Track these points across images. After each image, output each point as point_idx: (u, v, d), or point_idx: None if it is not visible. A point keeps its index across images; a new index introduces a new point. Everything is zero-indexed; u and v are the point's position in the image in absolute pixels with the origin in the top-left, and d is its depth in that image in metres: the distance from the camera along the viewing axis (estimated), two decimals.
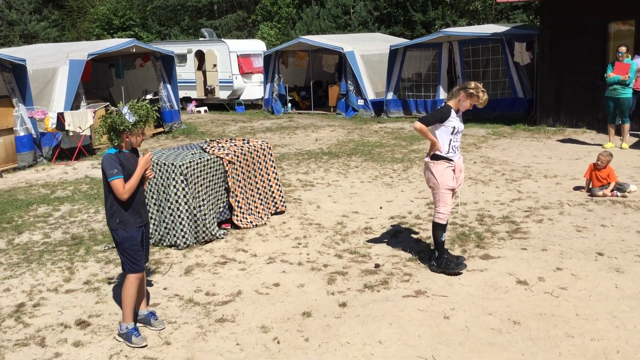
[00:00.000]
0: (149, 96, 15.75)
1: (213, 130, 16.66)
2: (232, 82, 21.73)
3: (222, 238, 6.60)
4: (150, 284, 5.40)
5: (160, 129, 15.79)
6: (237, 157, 6.79)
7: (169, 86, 16.02)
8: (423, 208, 7.82)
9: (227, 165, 6.62)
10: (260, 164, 7.16)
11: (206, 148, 6.74)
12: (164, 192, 6.24)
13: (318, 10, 28.12)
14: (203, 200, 6.35)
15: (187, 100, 22.84)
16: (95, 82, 16.71)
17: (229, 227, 6.88)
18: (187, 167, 6.15)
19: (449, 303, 4.93)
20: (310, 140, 13.87)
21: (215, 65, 21.99)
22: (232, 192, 6.74)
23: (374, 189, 8.95)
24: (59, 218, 7.80)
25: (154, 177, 6.23)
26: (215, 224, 6.58)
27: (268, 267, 5.81)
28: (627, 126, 11.42)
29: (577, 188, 8.51)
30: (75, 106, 13.09)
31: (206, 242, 6.44)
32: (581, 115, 13.45)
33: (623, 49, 11.06)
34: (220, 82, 22.04)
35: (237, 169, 6.77)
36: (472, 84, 5.41)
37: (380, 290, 5.22)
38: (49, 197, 9.00)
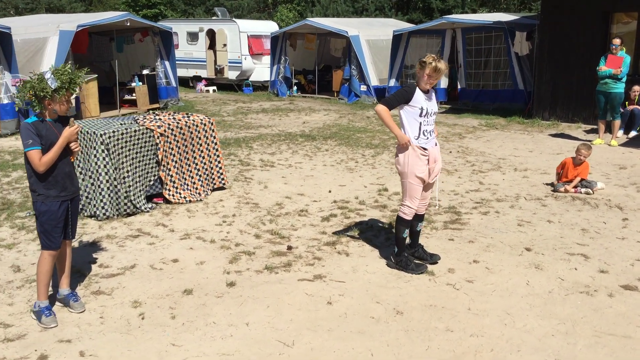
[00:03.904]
0: (145, 71, 15.76)
1: (210, 108, 16.59)
2: (241, 63, 21.62)
3: (148, 212, 6.49)
4: None
5: (156, 105, 15.79)
6: (172, 130, 6.65)
7: (166, 62, 15.99)
8: (373, 194, 7.57)
9: (158, 138, 6.48)
10: (200, 139, 7.00)
11: (138, 120, 6.61)
12: (88, 161, 6.14)
13: None
14: (128, 172, 6.24)
15: (197, 79, 22.85)
16: (97, 55, 16.79)
17: (161, 202, 6.76)
18: (109, 137, 6.04)
19: (342, 289, 4.71)
20: (298, 123, 13.68)
21: (225, 45, 21.90)
22: (164, 166, 6.61)
23: (334, 172, 8.73)
24: (4, 184, 7.81)
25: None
26: (143, 197, 6.47)
27: (178, 243, 5.68)
28: (617, 122, 10.92)
29: (549, 184, 8.11)
30: None
31: (129, 214, 6.34)
32: (578, 110, 12.93)
33: (617, 41, 10.55)
34: (229, 62, 21.95)
35: (170, 142, 6.64)
36: (428, 55, 4.83)
37: (279, 272, 5.04)
38: (8, 163, 9.04)
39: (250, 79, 21.94)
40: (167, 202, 6.80)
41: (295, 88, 20.25)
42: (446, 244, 5.74)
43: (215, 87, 22.14)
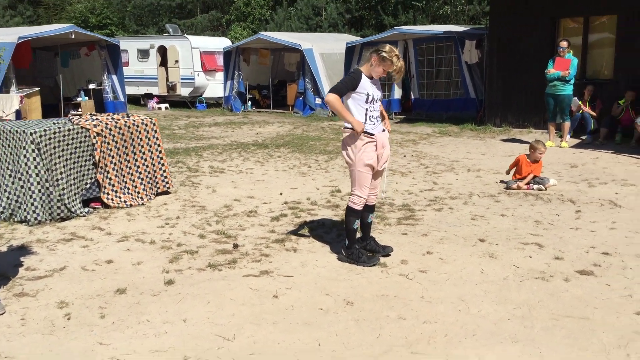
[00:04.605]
0: (91, 86, 15.30)
1: (160, 123, 16.13)
2: (193, 79, 21.28)
3: (84, 216, 6.09)
4: None
5: None
6: (110, 130, 6.29)
7: (114, 76, 15.56)
8: (325, 195, 7.34)
9: (94, 138, 6.12)
10: (141, 140, 6.66)
11: (73, 119, 6.25)
12: (17, 162, 5.73)
13: (290, 11, 27.79)
14: (61, 173, 5.85)
15: (149, 96, 22.34)
16: (41, 71, 16.22)
17: (99, 206, 6.37)
18: (40, 136, 5.65)
19: (289, 283, 4.44)
20: (251, 134, 13.41)
21: (177, 62, 21.53)
22: (101, 168, 6.24)
23: (285, 177, 8.48)
24: None
25: (8, 146, 5.73)
26: (78, 200, 6.07)
27: (115, 245, 5.31)
28: (567, 124, 11.01)
29: (502, 182, 8.03)
30: (4, 91, 12.61)
31: (63, 219, 5.93)
32: (528, 115, 13.06)
33: (564, 43, 10.68)
34: (181, 79, 21.58)
35: (108, 143, 6.28)
36: (387, 47, 4.59)
37: (223, 269, 4.73)
38: None
39: (203, 96, 21.59)
40: (106, 206, 6.42)
41: (249, 103, 20.00)
42: (399, 238, 5.54)
43: (167, 105, 21.69)
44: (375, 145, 4.72)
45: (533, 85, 12.58)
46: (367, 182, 4.77)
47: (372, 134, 4.70)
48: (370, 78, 4.74)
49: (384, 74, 4.65)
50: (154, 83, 22.24)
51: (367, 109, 4.69)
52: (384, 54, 4.56)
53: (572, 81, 10.67)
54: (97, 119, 6.41)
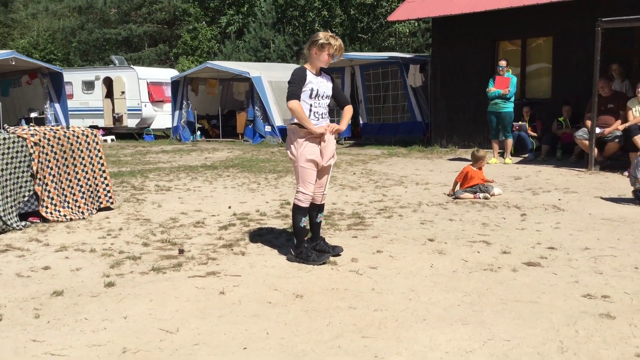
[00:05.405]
0: (33, 114, 14.87)
1: (106, 152, 15.78)
2: (140, 110, 20.96)
3: (21, 229, 5.81)
4: None
5: None
6: (48, 140, 6.07)
7: (56, 105, 15.19)
8: (275, 207, 7.25)
9: (31, 148, 5.89)
10: (82, 151, 6.45)
11: (8, 129, 6.01)
12: None
13: (238, 43, 27.95)
14: None
15: (94, 129, 21.85)
16: None
17: (38, 221, 6.09)
18: None
19: (237, 281, 4.31)
20: (200, 159, 13.24)
21: (123, 93, 21.21)
22: (40, 179, 5.99)
23: (234, 193, 8.36)
24: None
25: None
26: (14, 213, 5.79)
27: (53, 254, 5.06)
28: (509, 141, 11.32)
29: (449, 195, 8.12)
30: None
31: None
32: (473, 135, 13.37)
33: (503, 63, 11.05)
34: (128, 110, 21.21)
35: (47, 154, 6.04)
36: (319, 34, 4.63)
37: (167, 272, 4.56)
38: None
39: (151, 127, 21.26)
40: (45, 220, 6.14)
41: (198, 133, 19.79)
42: (349, 241, 5.49)
43: (113, 137, 21.24)
44: (319, 141, 4.71)
45: (476, 106, 12.92)
46: (310, 179, 4.73)
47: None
48: (318, 75, 4.75)
49: (331, 58, 4.65)
50: (99, 115, 21.79)
51: (311, 104, 4.69)
52: (321, 41, 4.60)
53: (513, 99, 11.01)
54: (35, 129, 6.19)
